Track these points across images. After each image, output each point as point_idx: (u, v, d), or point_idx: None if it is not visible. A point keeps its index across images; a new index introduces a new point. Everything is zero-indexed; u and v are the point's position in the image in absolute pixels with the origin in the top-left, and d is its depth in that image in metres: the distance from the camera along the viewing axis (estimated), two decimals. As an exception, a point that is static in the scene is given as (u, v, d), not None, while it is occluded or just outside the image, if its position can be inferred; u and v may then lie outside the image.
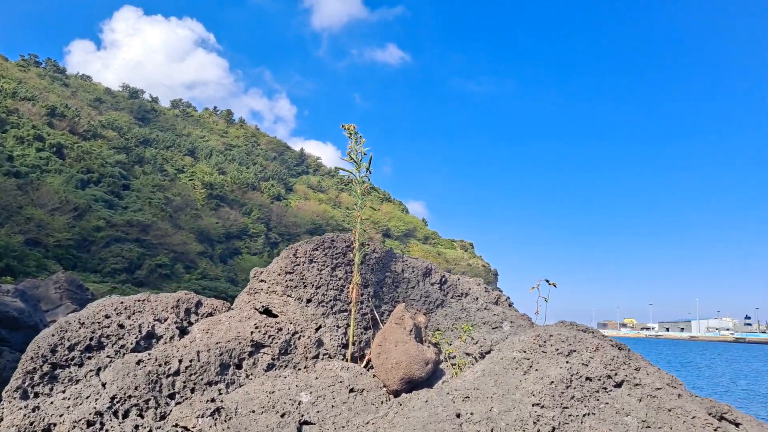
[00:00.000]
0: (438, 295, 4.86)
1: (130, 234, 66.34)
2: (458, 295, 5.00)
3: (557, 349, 3.70)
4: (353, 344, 4.19)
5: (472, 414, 3.21)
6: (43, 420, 2.83)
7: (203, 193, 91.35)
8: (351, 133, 4.57)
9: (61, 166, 72.79)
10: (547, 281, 4.48)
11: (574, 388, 3.42)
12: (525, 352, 3.70)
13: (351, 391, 3.63)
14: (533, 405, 3.31)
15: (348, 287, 4.42)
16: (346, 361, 4.10)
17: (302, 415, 3.36)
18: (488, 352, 4.11)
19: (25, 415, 2.79)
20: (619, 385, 3.47)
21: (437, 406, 3.23)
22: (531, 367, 3.60)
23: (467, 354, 4.14)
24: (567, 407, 3.33)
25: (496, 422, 3.18)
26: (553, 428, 3.21)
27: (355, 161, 4.55)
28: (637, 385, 3.46)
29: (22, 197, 56.69)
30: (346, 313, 4.31)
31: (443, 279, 5.01)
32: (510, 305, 5.20)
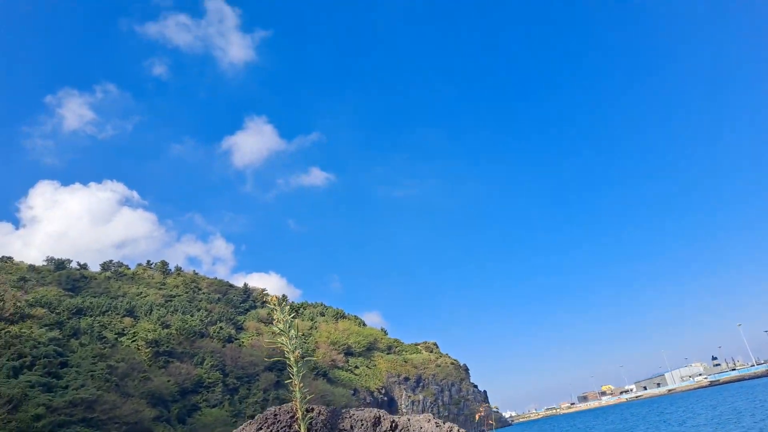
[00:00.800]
0: (391, 444, 4.89)
1: (75, 415, 61.15)
2: (411, 438, 5.05)
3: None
4: None
5: None
6: None
7: (149, 352, 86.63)
8: (274, 305, 4.80)
9: (-13, 357, 67.56)
10: (495, 409, 4.65)
11: None
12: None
13: None
14: None
15: (300, 459, 4.41)
16: None
17: None
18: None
19: None
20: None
21: None
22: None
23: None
24: None
25: None
26: None
27: (283, 331, 4.74)
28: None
29: (-55, 402, 51.64)
30: (301, 489, 4.27)
31: (394, 425, 5.07)
32: (462, 437, 5.28)
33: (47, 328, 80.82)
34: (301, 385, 4.66)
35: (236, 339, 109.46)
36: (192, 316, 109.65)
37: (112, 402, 65.81)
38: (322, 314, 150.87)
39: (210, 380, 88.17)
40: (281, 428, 4.49)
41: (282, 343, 4.73)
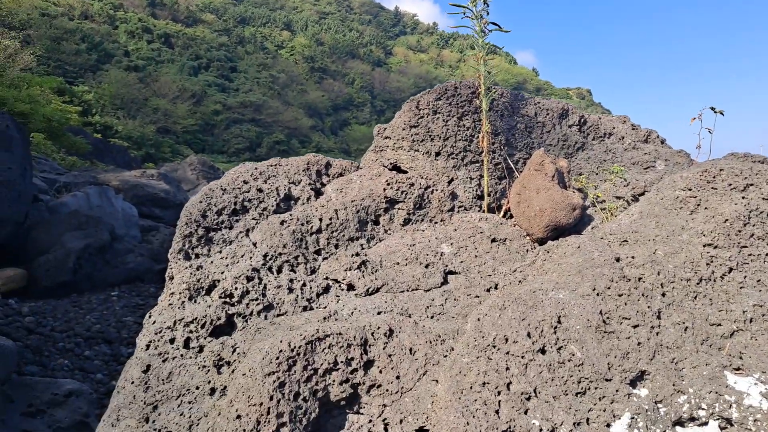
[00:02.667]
0: (578, 138, 4.40)
1: (245, 115, 69.65)
2: (600, 136, 4.51)
3: (730, 184, 3.22)
4: (488, 195, 3.98)
5: (633, 258, 2.94)
6: (208, 278, 3.01)
7: (305, 67, 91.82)
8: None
9: (171, 55, 76.06)
10: (712, 109, 3.83)
11: (754, 225, 2.99)
12: (690, 189, 3.26)
13: (493, 240, 3.49)
14: (704, 246, 2.95)
15: (477, 137, 4.11)
16: (483, 212, 3.93)
17: (446, 266, 3.31)
18: (642, 194, 3.71)
19: (191, 273, 2.97)
20: (811, 219, 2.97)
21: (592, 251, 2.99)
22: (699, 205, 3.18)
23: (618, 197, 3.77)
24: (746, 246, 2.93)
25: (662, 265, 2.89)
26: (730, 269, 2.87)
27: (472, -9, 3.98)
28: (836, 218, 2.94)
29: (145, 89, 60.73)
30: (477, 164, 4.06)
31: (582, 120, 4.51)
32: (662, 142, 4.61)
33: (217, 33, 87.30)
34: (488, 58, 4.09)
35: (385, 63, 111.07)
36: (344, 35, 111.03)
37: (276, 108, 73.36)
38: (472, 47, 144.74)
39: (360, 100, 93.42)
40: (461, 102, 4.11)
41: (466, 7, 4.04)
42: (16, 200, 8.82)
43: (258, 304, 2.96)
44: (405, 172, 4.06)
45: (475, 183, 3.99)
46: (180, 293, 2.99)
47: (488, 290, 3.12)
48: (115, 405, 2.79)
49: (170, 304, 2.98)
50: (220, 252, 3.22)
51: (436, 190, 3.88)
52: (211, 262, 3.14)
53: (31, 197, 10.20)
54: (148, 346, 2.88)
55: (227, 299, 2.95)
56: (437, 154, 4.03)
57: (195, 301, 2.97)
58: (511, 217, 3.86)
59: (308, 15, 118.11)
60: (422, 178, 3.91)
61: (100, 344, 7.20)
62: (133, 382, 2.80)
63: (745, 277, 2.88)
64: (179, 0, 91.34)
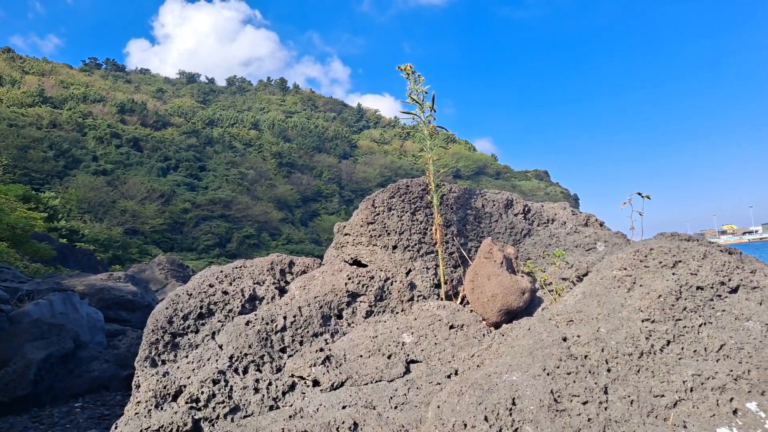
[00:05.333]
0: (523, 225, 4.74)
1: (215, 211, 69.89)
2: (544, 222, 4.86)
3: (660, 262, 3.52)
4: (445, 283, 4.20)
5: (578, 336, 3.15)
6: (174, 383, 3.07)
7: (273, 163, 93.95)
8: (408, 74, 4.43)
9: (140, 158, 77.07)
10: (639, 194, 4.23)
11: (685, 299, 3.26)
12: (626, 269, 3.55)
13: (451, 327, 3.66)
14: (642, 321, 3.19)
15: (431, 229, 4.40)
16: (441, 300, 4.13)
17: (408, 355, 3.44)
18: (585, 275, 3.99)
19: (158, 380, 3.03)
20: (734, 290, 3.27)
21: (541, 332, 3.19)
22: (634, 283, 3.46)
23: (563, 279, 4.04)
24: (680, 319, 3.18)
25: (605, 341, 3.10)
26: (668, 341, 3.10)
27: (417, 101, 4.44)
28: (755, 288, 3.24)
29: (113, 192, 60.86)
30: (433, 255, 4.31)
31: (526, 208, 4.87)
32: (601, 225, 4.99)
33: (185, 135, 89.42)
34: (436, 158, 4.47)
35: (351, 156, 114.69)
36: (310, 132, 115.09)
37: (245, 203, 74.03)
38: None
39: (328, 191, 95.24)
40: (413, 198, 4.43)
41: (415, 114, 4.47)
42: (-26, 313, 8.60)
43: (224, 407, 3.02)
44: (365, 265, 4.28)
45: (432, 272, 4.22)
46: (146, 401, 3.03)
47: (449, 376, 3.25)
48: None
49: (136, 413, 3.01)
50: (187, 357, 3.30)
51: (396, 281, 4.08)
52: (178, 368, 3.21)
53: (-9, 309, 9.95)
54: (113, 459, 2.87)
55: (194, 404, 3.00)
56: (394, 247, 4.27)
57: (161, 408, 3.01)
58: (468, 303, 4.07)
59: (275, 115, 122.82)
60: (381, 270, 4.12)
61: (63, 463, 6.80)
62: (96, 499, 2.76)
63: (683, 348, 3.10)
64: (148, 106, 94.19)
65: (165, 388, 3.05)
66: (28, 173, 55.33)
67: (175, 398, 3.07)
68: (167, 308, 3.46)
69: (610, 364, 3.02)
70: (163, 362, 3.27)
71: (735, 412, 2.76)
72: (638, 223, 4.35)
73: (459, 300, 4.18)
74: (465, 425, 2.63)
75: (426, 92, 4.64)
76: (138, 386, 3.15)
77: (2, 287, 13.70)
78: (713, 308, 3.20)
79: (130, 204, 59.07)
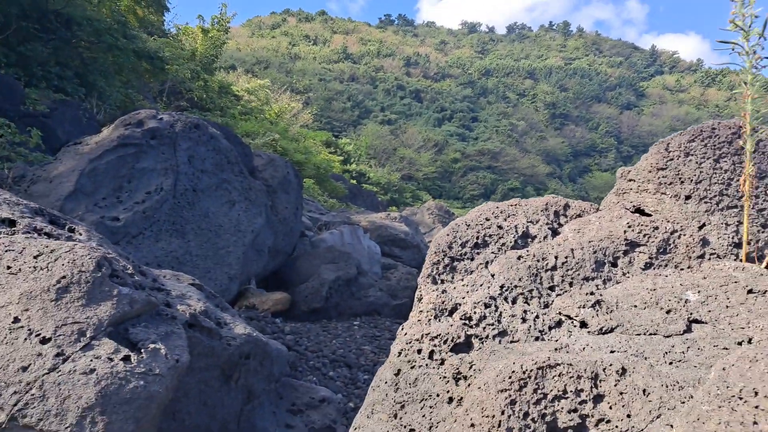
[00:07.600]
0: None
1: (482, 162, 71.90)
2: None
3: None
4: (748, 243, 3.62)
5: None
6: (451, 301, 3.42)
7: (546, 114, 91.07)
8: (733, -5, 3.77)
9: (420, 109, 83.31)
10: None
11: None
12: None
13: (750, 291, 3.18)
14: None
15: (737, 180, 3.80)
16: (740, 261, 3.60)
17: (690, 313, 3.14)
18: None
19: (437, 296, 3.42)
20: None
21: None
22: None
23: None
24: None
25: None
26: None
27: (741, 27, 3.77)
28: None
29: (395, 140, 67.55)
30: (736, 209, 3.75)
31: None
32: None
33: (461, 86, 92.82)
34: (756, 96, 3.79)
35: (635, 106, 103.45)
36: (590, 80, 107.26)
37: (513, 155, 74.05)
38: (744, 83, 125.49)
39: (603, 145, 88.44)
40: (718, 143, 3.87)
41: (736, 43, 3.82)
42: (288, 235, 10.82)
43: (493, 329, 3.25)
44: (648, 215, 3.96)
45: (732, 230, 3.68)
46: (427, 312, 3.46)
47: (739, 343, 2.87)
48: (371, 400, 3.34)
49: (419, 320, 3.46)
50: (462, 280, 3.62)
51: (684, 235, 3.70)
52: (454, 288, 3.55)
53: (299, 233, 12.29)
54: (399, 354, 3.39)
55: (467, 321, 3.30)
56: (687, 197, 3.84)
57: (439, 320, 3.40)
58: (778, 269, 3.45)
59: (553, 62, 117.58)
60: (669, 222, 3.77)
61: (342, 367, 8.07)
62: (386, 382, 3.32)
63: None
64: (431, 58, 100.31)
65: (443, 303, 3.42)
66: (331, 121, 65.24)
67: (450, 314, 3.43)
68: (448, 235, 3.82)
69: None
70: (442, 281, 3.65)
71: None
72: None
73: (765, 264, 3.57)
74: (755, 393, 2.32)
75: (756, 16, 3.91)
76: (420, 299, 3.60)
77: (307, 216, 16.77)
78: None
79: (408, 152, 64.85)
